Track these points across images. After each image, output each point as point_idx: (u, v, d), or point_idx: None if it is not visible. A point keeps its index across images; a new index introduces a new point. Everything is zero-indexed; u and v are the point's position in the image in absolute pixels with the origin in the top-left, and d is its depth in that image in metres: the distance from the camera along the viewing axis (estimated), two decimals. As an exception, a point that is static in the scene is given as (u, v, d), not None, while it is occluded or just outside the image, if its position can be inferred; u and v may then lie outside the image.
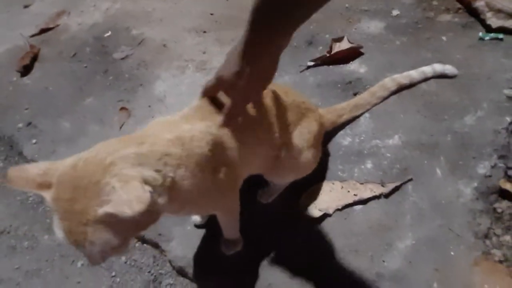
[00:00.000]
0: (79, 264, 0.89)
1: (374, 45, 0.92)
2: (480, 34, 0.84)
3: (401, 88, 0.79)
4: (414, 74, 0.80)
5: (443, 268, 0.59)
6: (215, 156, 0.52)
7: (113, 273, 0.85)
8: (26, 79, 1.36)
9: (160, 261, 0.82)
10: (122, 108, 1.08)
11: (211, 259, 0.70)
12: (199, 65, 1.10)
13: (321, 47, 0.97)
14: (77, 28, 1.43)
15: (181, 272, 0.74)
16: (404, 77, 0.79)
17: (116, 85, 1.18)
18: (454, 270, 0.59)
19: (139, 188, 0.41)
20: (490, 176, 0.66)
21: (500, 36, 0.82)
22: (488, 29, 0.83)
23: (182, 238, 0.75)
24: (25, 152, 1.12)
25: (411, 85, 0.80)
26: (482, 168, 0.67)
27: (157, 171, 0.45)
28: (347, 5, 1.01)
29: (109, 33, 1.36)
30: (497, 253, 0.61)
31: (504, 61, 0.78)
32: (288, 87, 0.65)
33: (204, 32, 1.19)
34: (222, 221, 0.63)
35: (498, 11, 0.83)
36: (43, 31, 1.46)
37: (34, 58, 1.41)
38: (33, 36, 1.42)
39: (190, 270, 0.72)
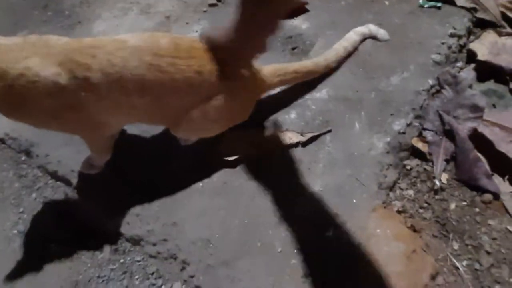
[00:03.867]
0: (-14, 199, 0.84)
1: (320, 3, 0.90)
2: (420, 1, 0.84)
3: (350, 54, 0.77)
4: (354, 36, 0.79)
5: (343, 213, 0.60)
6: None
7: (21, 209, 0.80)
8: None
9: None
10: (55, 44, 1.01)
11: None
12: (144, 8, 1.04)
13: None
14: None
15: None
16: (349, 41, 0.77)
17: (53, 21, 1.10)
18: (352, 215, 0.59)
19: None
20: (404, 133, 0.67)
21: (439, 4, 0.82)
22: (429, -4, 0.83)
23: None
24: None
25: (355, 49, 0.79)
26: (398, 125, 0.68)
27: None
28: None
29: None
30: (397, 204, 0.62)
31: (437, 28, 0.79)
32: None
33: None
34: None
35: (441, -20, 0.83)
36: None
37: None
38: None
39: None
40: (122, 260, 0.68)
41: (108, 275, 0.68)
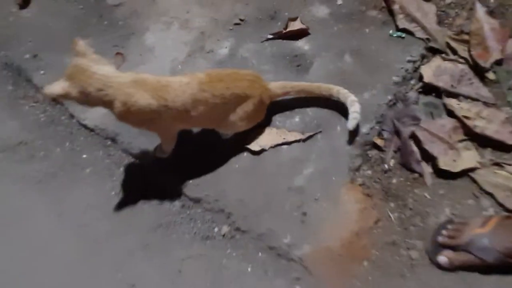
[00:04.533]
0: (87, 170, 1.23)
1: (318, 28, 1.21)
2: (391, 31, 1.15)
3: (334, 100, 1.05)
4: (345, 94, 1.02)
5: (326, 185, 0.99)
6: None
7: (114, 178, 1.19)
8: (25, 12, 1.54)
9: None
10: (118, 53, 1.33)
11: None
12: (183, 24, 1.35)
13: (279, 23, 1.25)
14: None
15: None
16: (340, 94, 1.03)
17: (110, 30, 1.41)
18: (332, 187, 0.98)
19: None
20: (368, 134, 1.04)
21: (403, 35, 1.13)
22: (397, 28, 1.14)
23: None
24: (35, 81, 1.37)
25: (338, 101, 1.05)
26: (365, 128, 1.04)
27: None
28: (305, -13, 1.27)
29: (103, -24, 1.52)
30: (359, 180, 1.01)
31: (400, 55, 1.11)
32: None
33: (188, -9, 1.41)
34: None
35: (407, 15, 1.14)
36: (34, -36, 1.57)
37: (30, -8, 1.55)
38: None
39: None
40: (188, 212, 1.09)
41: (180, 221, 1.09)
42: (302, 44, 1.20)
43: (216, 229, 1.05)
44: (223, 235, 1.03)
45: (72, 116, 1.30)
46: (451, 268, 0.90)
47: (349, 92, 1.02)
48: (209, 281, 1.00)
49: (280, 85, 1.06)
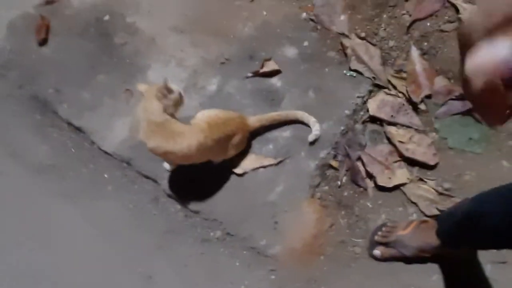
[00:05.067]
0: (109, 187, 1.55)
1: (288, 66, 1.48)
2: (344, 71, 1.42)
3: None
4: (303, 116, 1.35)
5: (291, 200, 1.30)
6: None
7: (131, 193, 1.52)
8: (45, 49, 1.80)
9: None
10: (127, 90, 1.62)
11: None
12: (179, 62, 1.62)
13: (257, 62, 1.52)
14: (79, 5, 1.78)
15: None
16: (304, 117, 1.35)
17: (119, 67, 1.68)
18: (295, 202, 1.30)
19: None
20: (325, 157, 1.34)
21: (354, 75, 1.40)
22: (350, 68, 1.41)
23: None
24: (60, 113, 1.67)
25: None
26: (322, 153, 1.34)
27: None
28: (278, 30, 1.53)
29: (108, 17, 1.78)
30: (318, 195, 1.32)
31: (351, 91, 1.39)
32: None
33: (182, 32, 1.67)
34: None
35: (357, 57, 1.41)
36: (48, 2, 1.82)
37: (47, 31, 1.82)
38: (39, 5, 1.74)
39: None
40: (190, 220, 1.41)
41: (184, 227, 1.41)
42: (275, 81, 1.48)
43: (212, 234, 1.38)
44: (217, 238, 1.37)
45: (93, 143, 1.61)
46: (383, 259, 1.22)
47: (310, 116, 1.34)
48: (208, 272, 1.34)
49: (256, 119, 1.35)
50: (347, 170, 1.34)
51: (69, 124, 1.64)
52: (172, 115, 1.19)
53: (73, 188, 1.57)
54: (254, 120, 1.35)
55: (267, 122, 1.37)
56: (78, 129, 1.63)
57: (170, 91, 1.19)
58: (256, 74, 1.49)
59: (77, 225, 1.51)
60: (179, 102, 1.22)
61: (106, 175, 1.56)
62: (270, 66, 1.48)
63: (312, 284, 1.25)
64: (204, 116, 1.26)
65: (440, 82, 1.34)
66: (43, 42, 1.80)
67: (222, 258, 1.34)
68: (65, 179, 1.60)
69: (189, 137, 1.19)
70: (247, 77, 1.50)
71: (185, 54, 1.63)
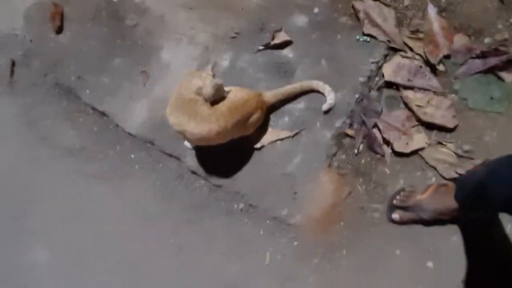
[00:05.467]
0: (136, 166, 1.63)
1: (299, 36, 1.45)
2: (357, 36, 1.38)
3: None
4: (319, 85, 1.35)
5: (309, 171, 1.33)
6: None
7: (157, 171, 1.60)
8: (62, 37, 1.85)
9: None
10: (143, 71, 1.65)
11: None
12: (190, 40, 1.62)
13: (268, 34, 1.50)
14: (88, -11, 1.78)
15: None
16: (319, 86, 1.34)
17: (133, 50, 1.70)
18: (313, 172, 1.33)
19: None
20: (340, 127, 1.35)
21: (368, 39, 1.36)
22: (363, 33, 1.37)
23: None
24: (84, 99, 1.74)
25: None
26: (337, 123, 1.34)
27: None
28: (289, -2, 1.49)
29: (116, -2, 1.78)
30: (335, 164, 1.34)
31: (364, 58, 1.36)
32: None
33: (190, 8, 1.65)
34: None
35: (371, 21, 1.36)
36: (59, -12, 1.83)
37: (62, 18, 1.85)
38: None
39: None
40: (214, 194, 1.48)
41: (209, 201, 1.49)
42: (287, 53, 1.46)
43: (235, 206, 1.45)
44: (241, 210, 1.44)
45: (117, 125, 1.68)
46: (401, 222, 1.25)
47: (325, 84, 1.34)
48: (235, 241, 1.43)
49: (272, 95, 1.36)
50: (363, 138, 1.35)
51: (93, 109, 1.71)
52: (205, 100, 1.23)
53: (103, 169, 1.67)
54: (271, 96, 1.36)
55: (283, 96, 1.37)
56: (102, 113, 1.70)
57: (213, 76, 1.21)
58: (267, 46, 1.48)
59: (110, 203, 1.62)
60: (217, 92, 1.23)
61: (132, 156, 1.65)
62: (281, 38, 1.46)
63: (333, 249, 1.31)
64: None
65: (460, 41, 1.28)
66: (59, 30, 1.84)
67: (246, 228, 1.42)
68: (95, 161, 1.69)
69: (210, 122, 1.22)
70: (259, 50, 1.49)
71: (196, 31, 1.63)
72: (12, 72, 1.83)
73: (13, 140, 1.75)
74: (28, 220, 1.65)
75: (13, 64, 1.83)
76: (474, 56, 1.26)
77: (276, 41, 1.46)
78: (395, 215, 1.25)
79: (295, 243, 1.35)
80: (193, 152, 1.48)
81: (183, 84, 1.26)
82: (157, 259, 1.49)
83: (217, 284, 1.40)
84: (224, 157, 1.44)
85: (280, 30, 1.46)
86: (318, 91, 1.36)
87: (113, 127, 1.70)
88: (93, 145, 1.72)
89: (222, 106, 1.25)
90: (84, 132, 1.75)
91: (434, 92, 1.30)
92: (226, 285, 1.40)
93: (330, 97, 1.33)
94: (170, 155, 1.56)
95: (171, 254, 1.49)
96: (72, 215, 1.64)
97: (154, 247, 1.52)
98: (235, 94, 1.28)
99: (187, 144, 1.47)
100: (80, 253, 1.58)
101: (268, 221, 1.39)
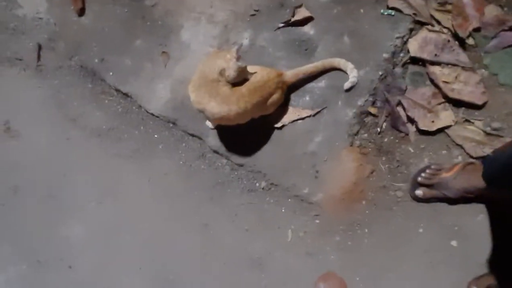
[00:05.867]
0: (160, 146, 1.67)
1: (320, 11, 1.41)
2: (382, 10, 1.32)
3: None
4: (341, 62, 1.31)
5: (331, 149, 1.33)
6: None
7: (180, 151, 1.63)
8: (84, 19, 1.87)
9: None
10: (163, 52, 1.66)
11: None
12: (209, 18, 1.61)
13: (288, 10, 1.46)
14: (108, -32, 1.78)
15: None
16: (341, 64, 1.31)
17: (153, 30, 1.71)
18: (335, 150, 1.32)
19: None
20: (363, 105, 1.32)
21: (392, 13, 1.31)
22: (387, 6, 1.32)
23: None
24: (108, 81, 1.77)
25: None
26: (360, 101, 1.32)
27: None
28: (309, -28, 1.44)
29: (136, -22, 1.77)
30: (357, 142, 1.33)
31: (389, 32, 1.31)
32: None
33: (209, -15, 1.63)
34: None
35: (396, -6, 1.30)
36: (78, -31, 1.83)
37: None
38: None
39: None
40: (236, 173, 1.51)
41: (231, 179, 1.52)
42: (308, 29, 1.43)
43: (257, 184, 1.47)
44: (263, 188, 1.46)
45: (140, 106, 1.72)
46: (424, 199, 1.24)
47: (347, 62, 1.31)
48: (257, 219, 1.46)
49: (293, 74, 1.35)
50: (386, 116, 1.32)
51: (117, 90, 1.75)
52: (228, 82, 1.23)
53: (129, 149, 1.72)
54: (291, 75, 1.34)
55: (304, 75, 1.36)
56: (126, 95, 1.73)
57: (239, 58, 1.21)
58: (288, 23, 1.45)
59: (137, 182, 1.68)
60: (239, 75, 1.23)
61: (156, 136, 1.68)
62: (301, 14, 1.42)
63: (355, 227, 1.32)
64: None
65: (491, 12, 1.21)
66: (81, 12, 1.86)
67: (268, 206, 1.44)
68: (121, 141, 1.75)
69: (229, 103, 1.23)
70: (279, 28, 1.46)
71: (214, 9, 1.61)
72: (39, 55, 1.88)
73: (46, 122, 1.82)
74: (63, 197, 1.73)
75: (40, 47, 1.87)
76: (506, 28, 1.19)
77: (297, 17, 1.43)
78: (419, 191, 1.24)
79: (317, 221, 1.36)
80: (215, 131, 1.50)
81: (207, 63, 1.27)
82: (183, 236, 1.55)
83: (240, 260, 1.45)
84: (245, 136, 1.45)
85: (300, 6, 1.43)
86: (340, 69, 1.33)
87: (137, 108, 1.73)
88: (119, 126, 1.77)
89: (242, 87, 1.25)
90: (110, 113, 1.79)
91: (463, 68, 1.24)
92: (249, 261, 1.44)
93: (353, 75, 1.30)
94: (192, 135, 1.59)
95: (196, 230, 1.55)
96: (102, 192, 1.71)
97: (180, 224, 1.57)
98: (255, 75, 1.27)
99: (208, 123, 1.48)
100: (111, 229, 1.66)
101: (289, 200, 1.41)
